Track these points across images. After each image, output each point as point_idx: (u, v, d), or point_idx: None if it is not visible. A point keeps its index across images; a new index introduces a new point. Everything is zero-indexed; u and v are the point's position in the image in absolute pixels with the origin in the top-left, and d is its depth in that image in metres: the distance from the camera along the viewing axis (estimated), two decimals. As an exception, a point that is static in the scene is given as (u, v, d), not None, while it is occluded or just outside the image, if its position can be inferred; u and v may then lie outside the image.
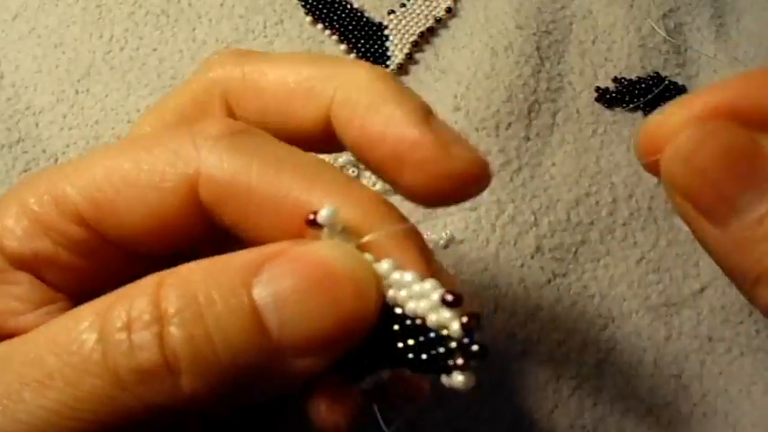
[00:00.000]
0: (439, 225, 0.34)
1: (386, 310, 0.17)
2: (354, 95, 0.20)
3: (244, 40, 0.37)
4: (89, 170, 0.19)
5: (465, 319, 0.16)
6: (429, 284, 0.17)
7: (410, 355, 0.17)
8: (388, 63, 0.37)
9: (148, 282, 0.17)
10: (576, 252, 0.34)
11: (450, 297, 0.16)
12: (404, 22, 0.39)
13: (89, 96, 0.35)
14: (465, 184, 0.19)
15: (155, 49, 0.36)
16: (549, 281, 0.34)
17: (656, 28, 0.41)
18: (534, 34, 0.39)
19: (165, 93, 0.35)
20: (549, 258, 0.34)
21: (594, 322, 0.34)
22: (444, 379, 0.17)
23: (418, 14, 0.39)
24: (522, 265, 0.34)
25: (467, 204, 0.34)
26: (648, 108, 0.39)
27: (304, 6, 0.38)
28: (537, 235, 0.34)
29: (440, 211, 0.34)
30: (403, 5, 0.39)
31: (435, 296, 0.16)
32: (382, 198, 0.19)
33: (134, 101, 0.35)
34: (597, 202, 0.36)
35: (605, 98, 0.39)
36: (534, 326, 0.33)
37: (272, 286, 0.16)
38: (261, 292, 0.16)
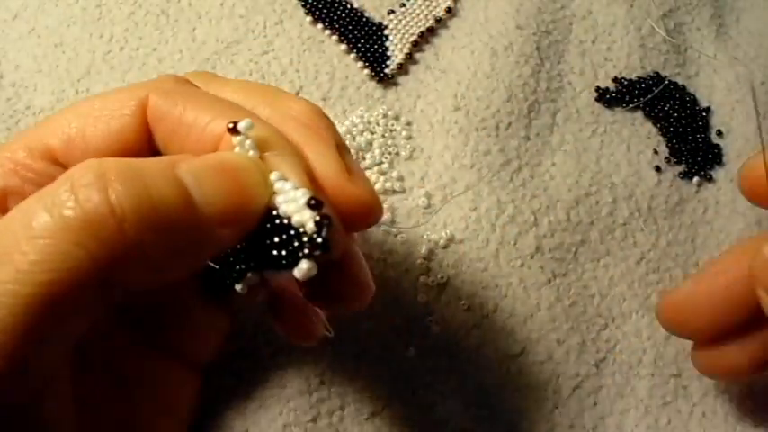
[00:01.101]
0: (439, 225, 0.34)
1: (266, 213, 0.21)
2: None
3: (244, 40, 0.37)
4: (62, 115, 0.24)
5: (318, 218, 0.20)
6: (301, 192, 0.21)
7: (273, 252, 0.21)
8: (388, 63, 0.37)
9: (88, 162, 0.20)
10: (575, 252, 0.34)
11: (312, 201, 0.20)
12: (404, 22, 0.39)
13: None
14: (368, 213, 0.23)
15: (155, 49, 0.36)
16: (549, 281, 0.34)
17: (656, 28, 0.41)
18: (534, 34, 0.39)
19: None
20: (549, 258, 0.34)
21: (594, 322, 0.34)
22: (295, 271, 0.20)
23: (418, 14, 0.39)
24: (522, 265, 0.34)
25: (467, 204, 0.34)
26: (648, 108, 0.39)
27: (304, 6, 0.38)
28: (537, 235, 0.34)
29: (440, 211, 0.34)
30: (403, 5, 0.39)
31: (302, 200, 0.20)
32: (279, 131, 0.23)
33: (134, 101, 0.35)
34: (597, 202, 0.36)
35: (605, 98, 0.39)
36: (534, 326, 0.33)
37: (191, 169, 0.20)
38: (182, 173, 0.20)
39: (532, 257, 0.34)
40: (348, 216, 0.22)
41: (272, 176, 0.21)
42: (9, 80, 0.35)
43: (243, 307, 0.31)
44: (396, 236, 0.33)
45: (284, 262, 0.21)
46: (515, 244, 0.34)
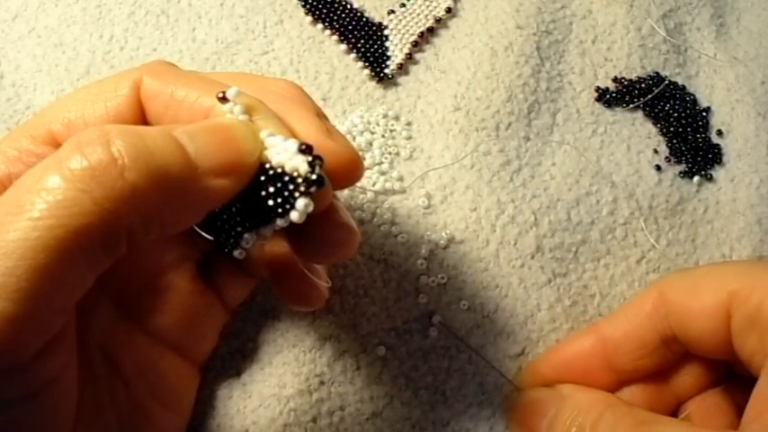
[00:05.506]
0: (439, 225, 0.34)
1: (260, 169, 0.22)
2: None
3: (244, 40, 0.37)
4: (62, 101, 0.25)
5: (310, 159, 0.21)
6: (291, 142, 0.22)
7: (269, 202, 0.22)
8: (388, 63, 0.37)
9: (92, 127, 0.21)
10: (576, 252, 0.34)
11: (303, 146, 0.22)
12: (404, 22, 0.39)
13: (89, 96, 0.35)
14: (350, 167, 0.24)
15: (155, 49, 0.36)
16: (549, 281, 0.34)
17: (656, 28, 0.41)
18: (534, 34, 0.39)
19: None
20: (550, 258, 0.34)
21: (595, 322, 0.33)
22: (292, 214, 0.22)
23: (418, 14, 0.39)
24: (522, 265, 0.34)
25: (467, 204, 0.34)
26: (648, 108, 0.39)
27: (304, 6, 0.38)
28: (537, 235, 0.34)
29: (440, 211, 0.34)
30: (403, 5, 0.39)
31: (293, 147, 0.22)
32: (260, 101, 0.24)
33: (134, 101, 0.35)
34: (597, 202, 0.36)
35: (605, 98, 0.39)
36: (534, 326, 0.33)
37: (185, 129, 0.22)
38: (177, 133, 0.21)
39: (533, 257, 0.34)
40: (331, 171, 0.23)
41: (263, 134, 0.22)
42: (9, 80, 0.35)
43: (243, 308, 0.31)
44: (396, 236, 0.33)
45: (281, 210, 0.22)
46: (515, 244, 0.34)
